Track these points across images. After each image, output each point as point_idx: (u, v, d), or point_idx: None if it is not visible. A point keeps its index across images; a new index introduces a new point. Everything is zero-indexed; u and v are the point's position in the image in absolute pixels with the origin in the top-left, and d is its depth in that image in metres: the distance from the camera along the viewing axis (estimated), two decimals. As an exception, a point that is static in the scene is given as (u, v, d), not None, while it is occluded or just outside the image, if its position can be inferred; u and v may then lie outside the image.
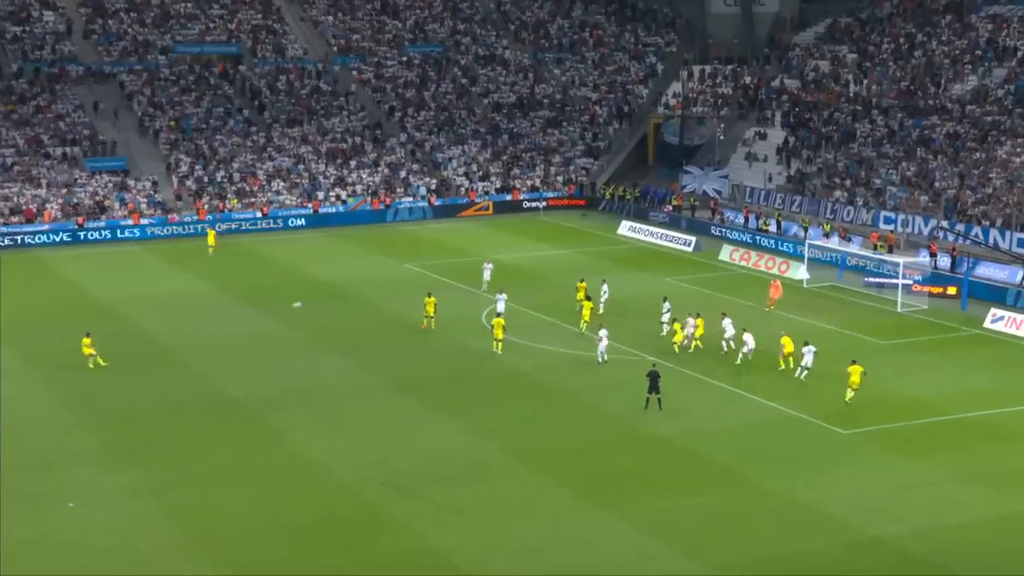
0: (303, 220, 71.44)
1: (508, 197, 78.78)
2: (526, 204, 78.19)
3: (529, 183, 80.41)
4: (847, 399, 34.59)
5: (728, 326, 40.01)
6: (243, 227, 69.44)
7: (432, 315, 42.05)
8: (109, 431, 32.19)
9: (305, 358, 40.09)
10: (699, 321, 40.81)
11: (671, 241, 64.81)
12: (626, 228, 68.79)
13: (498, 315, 42.07)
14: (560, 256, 60.32)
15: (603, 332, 38.71)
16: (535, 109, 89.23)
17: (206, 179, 73.06)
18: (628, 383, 36.63)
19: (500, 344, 40.03)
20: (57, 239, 64.91)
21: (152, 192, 70.81)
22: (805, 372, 36.38)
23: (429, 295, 43.56)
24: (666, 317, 42.50)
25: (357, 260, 60.16)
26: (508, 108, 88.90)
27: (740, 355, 38.38)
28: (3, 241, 63.77)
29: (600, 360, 38.48)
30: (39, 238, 64.67)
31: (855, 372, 34.44)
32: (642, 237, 66.84)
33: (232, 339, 42.64)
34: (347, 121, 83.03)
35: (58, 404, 34.37)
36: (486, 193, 78.56)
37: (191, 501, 27.75)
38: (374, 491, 28.33)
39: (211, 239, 60.55)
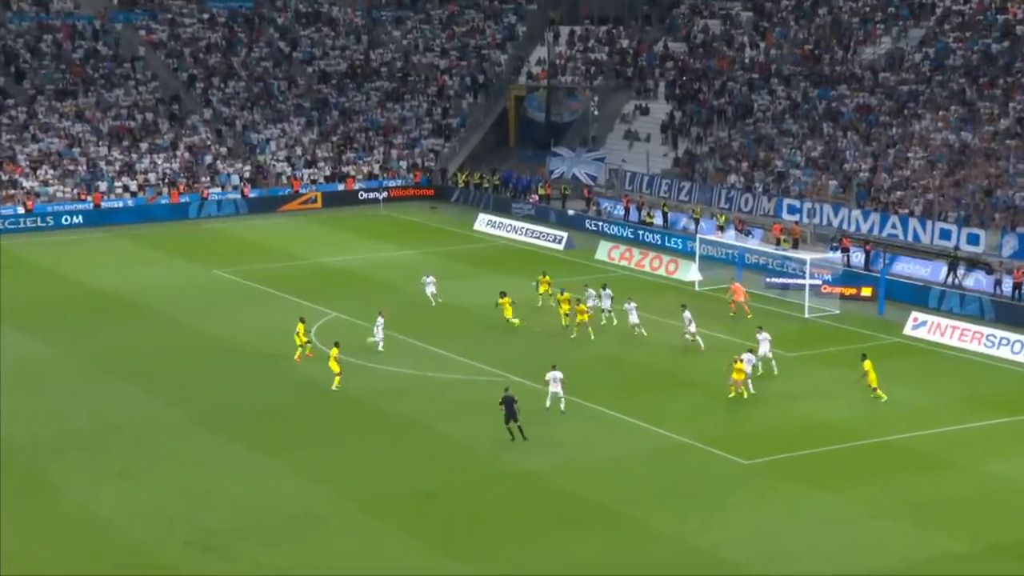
0: (80, 217, 69.37)
1: (340, 187, 78.36)
2: (363, 195, 77.99)
3: (366, 170, 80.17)
4: (878, 396, 37.09)
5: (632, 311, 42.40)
6: (1, 226, 66.57)
7: (305, 342, 40.99)
8: None
9: (86, 390, 39.07)
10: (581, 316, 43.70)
11: (538, 237, 65.69)
12: (484, 223, 69.38)
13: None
14: (405, 258, 60.33)
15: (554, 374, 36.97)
16: (371, 79, 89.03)
17: (-53, 166, 69.69)
18: (486, 408, 36.85)
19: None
20: None
21: None
22: (770, 364, 37.80)
23: (302, 319, 42.22)
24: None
25: (152, 266, 58.89)
26: (338, 78, 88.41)
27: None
28: None
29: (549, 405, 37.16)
30: None
31: (869, 368, 37.03)
32: (503, 233, 67.51)
33: (-13, 369, 40.93)
34: (135, 93, 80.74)
35: None
36: (313, 182, 77.89)
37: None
38: (177, 551, 27.70)
39: None
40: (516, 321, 45.93)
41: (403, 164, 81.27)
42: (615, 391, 39.01)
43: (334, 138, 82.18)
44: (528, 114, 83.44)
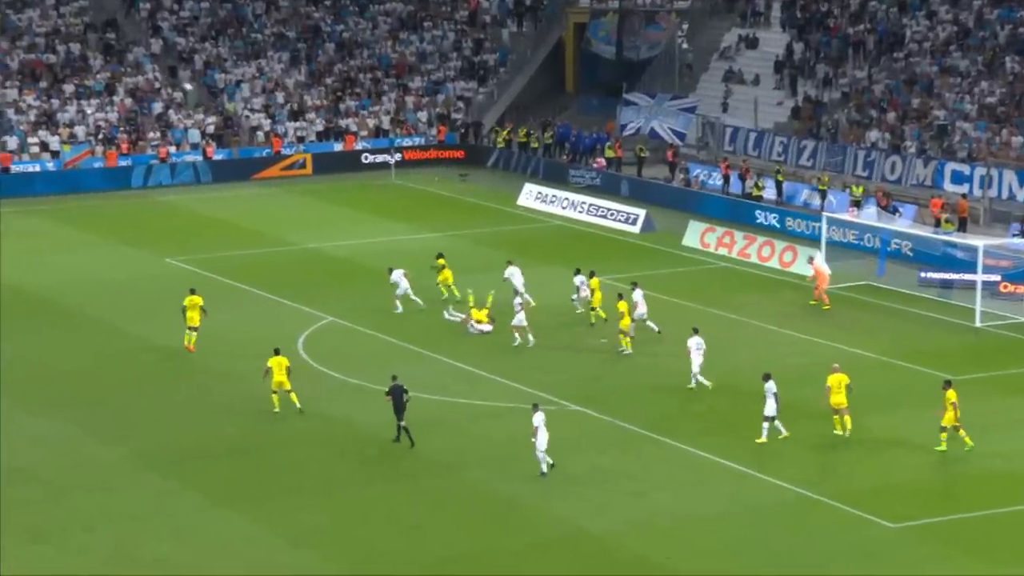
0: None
1: (337, 147, 78.76)
2: (367, 158, 78.31)
3: (372, 124, 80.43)
4: (941, 446, 36.35)
5: (696, 347, 41.56)
6: None
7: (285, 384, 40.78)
8: None
9: (-9, 420, 39.08)
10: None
11: (605, 216, 65.64)
12: (531, 196, 69.39)
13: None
14: (423, 243, 60.34)
15: None
16: (379, 0, 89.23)
17: None
18: (532, 446, 36.83)
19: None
20: None
21: None
22: (774, 424, 37.41)
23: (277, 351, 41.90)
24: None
25: (82, 253, 59.28)
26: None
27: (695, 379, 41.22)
28: None
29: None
30: None
31: (950, 400, 36.26)
32: (557, 210, 67.47)
33: None
34: (54, 16, 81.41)
35: None
36: (300, 140, 78.33)
37: None
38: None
39: None
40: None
41: (422, 116, 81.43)
42: (698, 423, 39.01)
43: (328, 80, 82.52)
44: (592, 47, 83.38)
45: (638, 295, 46.57)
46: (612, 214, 65.41)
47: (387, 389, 37.32)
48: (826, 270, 51.09)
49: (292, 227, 63.77)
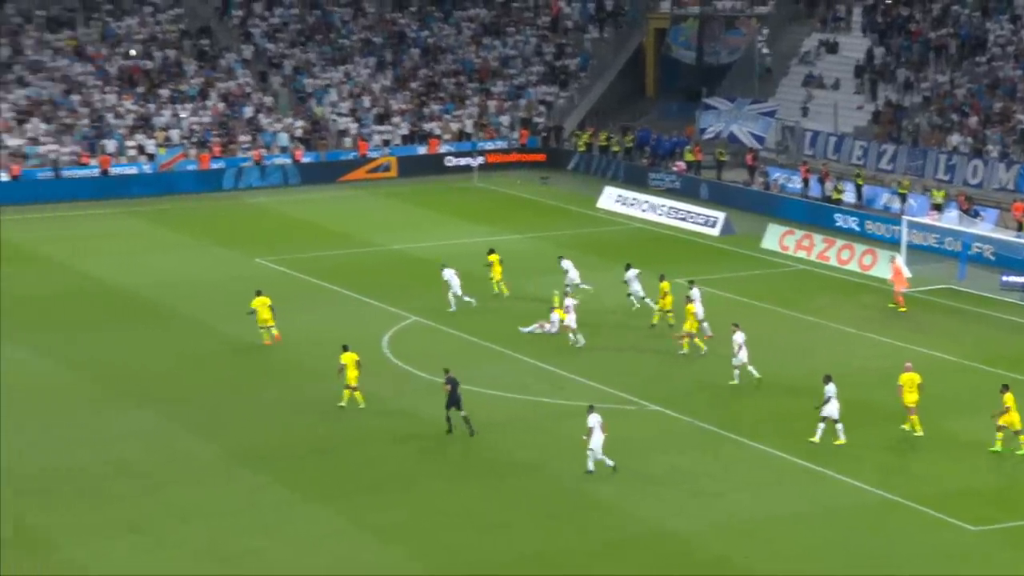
0: (82, 186, 70.85)
1: (421, 150, 78.96)
2: (450, 161, 78.45)
3: (455, 128, 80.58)
4: (996, 446, 35.97)
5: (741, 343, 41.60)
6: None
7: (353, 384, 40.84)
8: None
9: (90, 418, 39.61)
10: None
11: (684, 219, 65.44)
12: (611, 198, 69.25)
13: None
14: (505, 244, 60.30)
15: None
16: (462, 6, 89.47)
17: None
18: (616, 445, 36.65)
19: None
20: None
21: None
22: (834, 427, 37.07)
23: (345, 347, 41.40)
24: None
25: (175, 252, 59.84)
26: (419, 4, 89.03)
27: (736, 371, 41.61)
28: None
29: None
30: None
31: (1010, 404, 35.96)
32: (637, 212, 67.33)
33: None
34: (151, 24, 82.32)
35: None
36: (386, 144, 78.63)
37: None
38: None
39: None
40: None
41: (505, 120, 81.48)
42: (776, 424, 38.74)
43: (413, 85, 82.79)
44: (672, 53, 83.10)
45: (695, 295, 46.24)
46: (691, 217, 65.11)
47: (444, 380, 37.73)
48: (906, 273, 50.58)
49: (377, 228, 64.05)
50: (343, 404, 39.79)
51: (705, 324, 45.38)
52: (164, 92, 77.54)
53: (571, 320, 45.98)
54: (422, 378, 42.62)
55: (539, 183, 74.92)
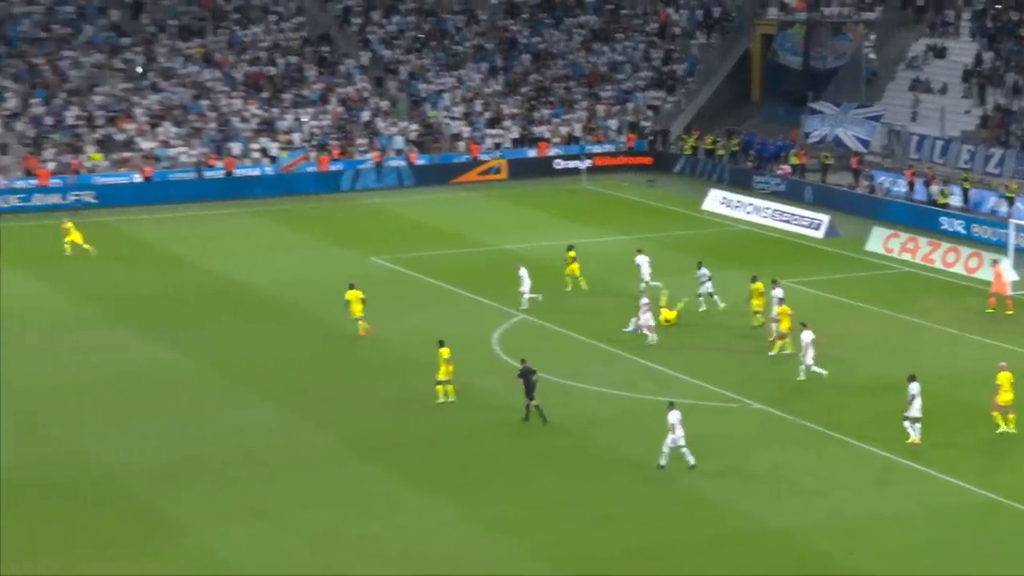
0: (208, 187, 72.09)
1: (531, 153, 79.20)
2: (559, 164, 78.65)
3: (564, 131, 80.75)
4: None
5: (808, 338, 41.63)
6: (111, 198, 69.79)
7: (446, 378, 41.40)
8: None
9: (216, 409, 40.32)
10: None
11: (789, 221, 65.10)
12: (717, 201, 69.07)
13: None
14: (612, 245, 60.45)
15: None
16: (573, 13, 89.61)
17: (50, 121, 73.51)
18: (721, 442, 36.62)
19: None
20: None
21: (-34, 143, 71.37)
22: (914, 425, 36.78)
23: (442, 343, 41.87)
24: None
25: (295, 251, 60.69)
26: (530, 11, 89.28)
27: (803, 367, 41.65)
28: None
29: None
30: None
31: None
32: (742, 215, 67.14)
33: (99, 378, 42.84)
34: (275, 32, 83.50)
35: None
36: (497, 147, 79.00)
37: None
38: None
39: (73, 235, 58.80)
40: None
41: (612, 124, 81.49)
42: (879, 423, 38.39)
43: (524, 89, 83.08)
44: (779, 58, 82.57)
45: (778, 294, 45.97)
46: (796, 219, 64.74)
47: (518, 372, 38.48)
48: (1011, 277, 49.84)
49: (488, 229, 64.41)
50: (441, 401, 40.09)
51: (773, 325, 45.15)
52: (287, 97, 78.63)
53: (645, 319, 45.88)
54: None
55: (646, 186, 74.89)
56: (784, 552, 31.00)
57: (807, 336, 41.79)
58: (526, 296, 50.07)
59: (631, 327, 46.65)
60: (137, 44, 79.57)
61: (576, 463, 36.22)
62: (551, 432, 38.15)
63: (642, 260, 51.57)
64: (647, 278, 50.96)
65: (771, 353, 44.47)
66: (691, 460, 35.15)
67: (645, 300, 46.74)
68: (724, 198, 68.97)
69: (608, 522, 32.60)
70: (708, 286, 49.34)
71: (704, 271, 49.70)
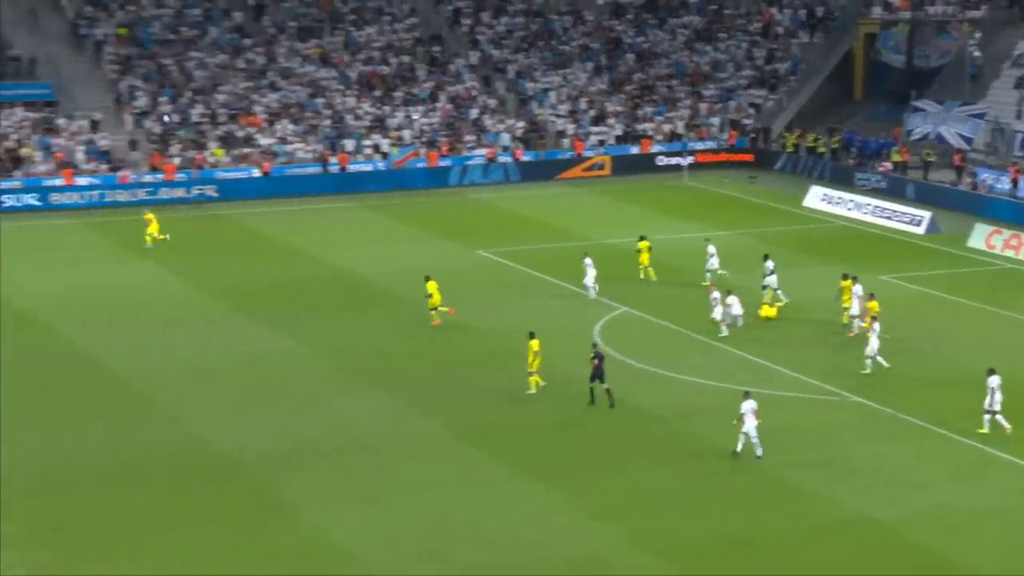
0: (323, 182, 72.88)
1: (634, 150, 79.01)
2: (662, 161, 78.38)
3: (667, 129, 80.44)
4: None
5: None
6: (232, 192, 70.86)
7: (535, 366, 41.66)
8: (25, 503, 33.11)
9: (329, 395, 40.82)
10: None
11: (890, 217, 64.35)
12: (817, 197, 68.46)
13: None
14: (713, 241, 60.01)
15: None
16: (677, 14, 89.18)
17: (175, 119, 74.77)
18: (820, 435, 36.28)
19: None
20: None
21: (93, 137, 72.78)
22: (994, 418, 36.22)
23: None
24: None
25: (405, 244, 61.16)
26: (635, 12, 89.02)
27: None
28: None
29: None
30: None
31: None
32: (843, 211, 66.46)
33: (220, 365, 43.57)
34: (389, 32, 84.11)
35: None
36: (601, 144, 78.91)
37: (155, 605, 28.47)
38: (431, 597, 28.73)
39: (153, 228, 59.73)
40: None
41: (715, 122, 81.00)
42: (980, 418, 37.67)
43: (628, 88, 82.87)
44: (881, 57, 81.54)
45: (857, 291, 45.37)
46: (897, 215, 63.98)
47: (592, 355, 38.87)
48: None
49: (591, 224, 64.42)
50: (532, 391, 40.16)
51: (855, 321, 44.54)
52: (398, 95, 79.19)
53: (717, 312, 45.70)
54: (632, 366, 42.85)
55: (747, 182, 74.40)
56: (883, 543, 30.69)
57: (876, 326, 41.57)
58: (590, 286, 50.25)
59: (719, 317, 46.31)
60: (258, 45, 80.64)
61: (673, 453, 36.16)
62: (648, 422, 38.11)
63: (711, 250, 51.71)
64: (715, 267, 51.23)
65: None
66: (759, 451, 35.04)
67: (716, 293, 46.49)
68: (825, 194, 68.34)
69: (705, 511, 32.53)
70: (772, 280, 48.89)
71: (769, 264, 49.35)
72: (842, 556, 30.21)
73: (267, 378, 42.25)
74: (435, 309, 47.24)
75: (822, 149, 75.98)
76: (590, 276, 50.41)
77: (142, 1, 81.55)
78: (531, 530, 31.43)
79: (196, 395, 40.59)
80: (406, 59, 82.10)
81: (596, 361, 38.77)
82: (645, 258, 52.82)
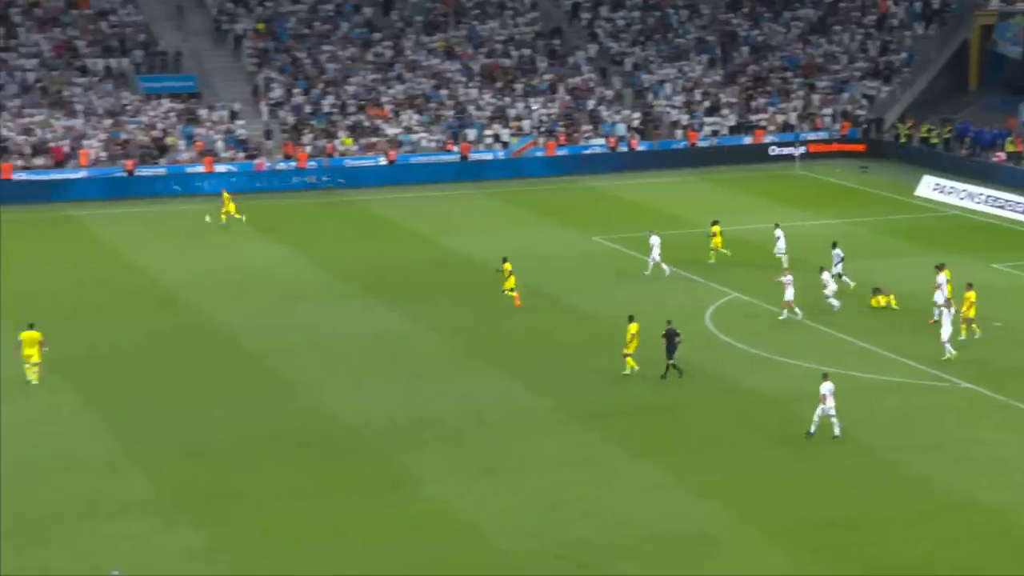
0: (446, 170, 73.32)
1: (747, 140, 78.22)
2: (774, 150, 77.50)
3: (780, 119, 79.52)
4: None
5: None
6: (359, 179, 71.62)
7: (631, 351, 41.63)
8: (169, 471, 33.89)
9: (449, 373, 41.14)
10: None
11: (1003, 207, 63.03)
12: (930, 187, 67.28)
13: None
14: (823, 229, 59.33)
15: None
16: (792, 6, 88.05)
17: (308, 109, 75.72)
18: (928, 421, 35.76)
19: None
20: (97, 191, 68.61)
21: (231, 126, 74.02)
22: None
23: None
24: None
25: (523, 230, 61.29)
26: (751, 5, 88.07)
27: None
28: (24, 192, 67.37)
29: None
30: (72, 189, 68.43)
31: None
32: (956, 200, 65.26)
33: (346, 343, 44.10)
34: (511, 26, 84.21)
35: (97, 432, 36.42)
36: (714, 134, 78.30)
37: (283, 572, 28.85)
38: (546, 566, 28.79)
39: (229, 206, 61.25)
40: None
41: (828, 112, 79.91)
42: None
43: (742, 80, 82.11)
44: (998, 48, 79.84)
45: (942, 279, 44.43)
46: (1010, 205, 62.71)
47: (663, 332, 39.44)
48: None
49: (703, 212, 63.65)
50: (627, 372, 40.11)
51: (938, 310, 43.57)
52: (518, 87, 79.30)
53: (789, 295, 45.13)
54: (741, 350, 42.54)
55: (858, 172, 73.30)
56: (990, 528, 30.22)
57: (947, 315, 41.07)
58: (651, 264, 50.97)
59: (790, 299, 45.73)
60: (386, 39, 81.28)
61: (781, 435, 35.83)
62: (757, 404, 37.85)
63: (779, 233, 51.92)
64: (783, 249, 51.51)
65: (961, 338, 42.99)
66: (837, 430, 34.78)
67: (789, 276, 45.86)
68: (937, 184, 67.15)
69: (812, 492, 32.26)
70: (839, 267, 48.28)
71: (838, 251, 48.87)
72: (949, 539, 29.78)
73: (389, 355, 42.70)
74: (509, 291, 47.42)
75: (935, 140, 74.62)
76: (656, 253, 50.76)
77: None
78: (641, 507, 31.43)
79: (323, 371, 41.17)
80: (527, 52, 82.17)
81: (666, 339, 39.32)
82: (719, 241, 53.08)
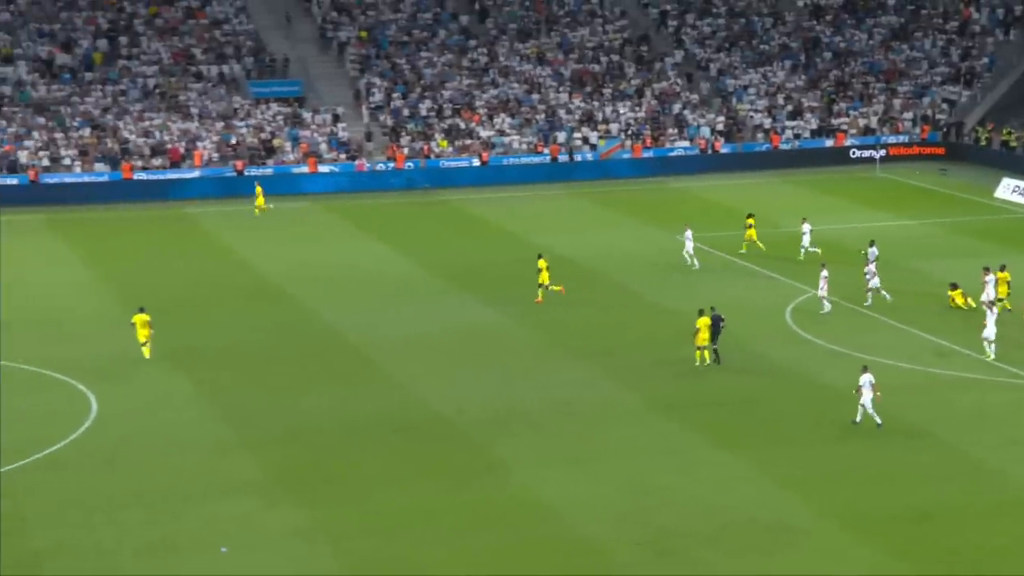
0: (537, 171, 73.32)
1: (828, 143, 77.34)
2: (855, 153, 76.58)
3: (861, 123, 78.52)
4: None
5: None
6: (453, 180, 71.93)
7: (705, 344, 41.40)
8: (274, 454, 34.37)
9: (537, 365, 41.23)
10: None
11: (1081, 210, 61.70)
12: (1009, 189, 66.14)
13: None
14: (903, 230, 58.55)
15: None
16: (874, 13, 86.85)
17: (406, 112, 76.22)
18: (1005, 418, 35.12)
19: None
20: (210, 189, 69.79)
21: (334, 129, 74.74)
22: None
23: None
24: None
25: (610, 229, 61.16)
26: (833, 12, 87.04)
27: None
28: (142, 191, 68.90)
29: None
30: (187, 188, 69.70)
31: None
32: (1034, 203, 64.01)
33: (440, 336, 44.37)
34: (600, 33, 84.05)
35: (208, 417, 37.03)
36: (797, 137, 77.57)
37: (379, 552, 29.11)
38: (626, 552, 28.77)
39: (260, 200, 63.56)
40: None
41: (908, 116, 78.77)
42: None
43: (824, 85, 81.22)
44: (1075, 54, 77.97)
45: (989, 280, 43.44)
46: (1087, 207, 61.39)
47: (708, 318, 39.80)
48: None
49: (784, 212, 63.26)
50: (698, 364, 40.03)
51: (993, 309, 42.59)
52: (607, 91, 79.16)
53: (823, 289, 44.78)
54: (820, 346, 42.10)
55: (938, 174, 72.13)
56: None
57: (991, 317, 40.54)
58: (688, 255, 51.82)
59: (824, 293, 45.46)
60: (481, 46, 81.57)
61: (859, 429, 35.41)
62: (835, 399, 37.37)
63: (806, 228, 52.32)
64: (806, 244, 51.93)
65: None
66: (879, 420, 34.62)
67: (825, 272, 45.24)
68: (1017, 186, 65.92)
69: (889, 485, 31.86)
70: (873, 266, 47.54)
71: (873, 250, 48.52)
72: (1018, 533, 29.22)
73: (481, 348, 42.88)
74: (543, 287, 47.32)
75: (1014, 143, 73.18)
76: (690, 245, 51.62)
77: (380, 7, 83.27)
78: (721, 497, 31.26)
79: (418, 362, 41.45)
80: (615, 58, 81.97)
81: (716, 322, 39.48)
82: (753, 233, 53.76)
